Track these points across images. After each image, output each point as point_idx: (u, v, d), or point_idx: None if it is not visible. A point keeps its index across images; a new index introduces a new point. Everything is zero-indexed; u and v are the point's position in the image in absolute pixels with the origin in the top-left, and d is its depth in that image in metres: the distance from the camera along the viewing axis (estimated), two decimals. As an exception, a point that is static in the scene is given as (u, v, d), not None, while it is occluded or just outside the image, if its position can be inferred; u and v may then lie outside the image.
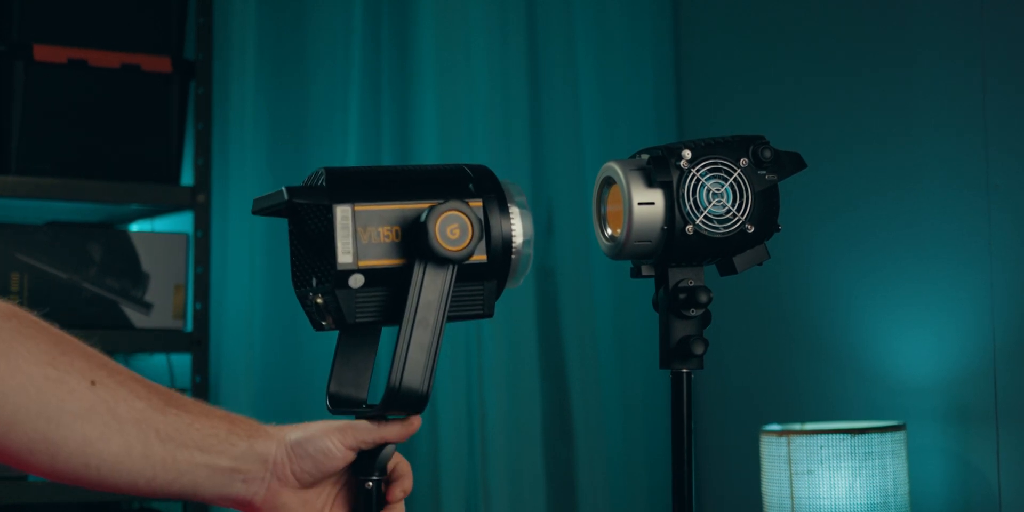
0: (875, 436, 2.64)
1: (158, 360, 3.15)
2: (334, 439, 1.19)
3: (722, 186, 1.44)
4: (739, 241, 1.45)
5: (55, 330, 1.12)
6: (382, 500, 1.25)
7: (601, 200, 1.51)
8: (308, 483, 1.20)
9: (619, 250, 1.47)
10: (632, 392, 3.32)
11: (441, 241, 1.22)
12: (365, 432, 1.20)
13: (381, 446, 1.24)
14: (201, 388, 2.95)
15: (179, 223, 3.13)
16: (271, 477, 1.18)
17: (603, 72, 3.42)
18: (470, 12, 3.23)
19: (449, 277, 1.23)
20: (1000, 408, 2.76)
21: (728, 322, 3.20)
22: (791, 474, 2.67)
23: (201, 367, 2.96)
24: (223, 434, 1.17)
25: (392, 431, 1.21)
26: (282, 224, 1.37)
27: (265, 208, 1.31)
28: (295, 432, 1.20)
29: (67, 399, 1.08)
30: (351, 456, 1.20)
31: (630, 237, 1.45)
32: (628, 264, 1.51)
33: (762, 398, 3.25)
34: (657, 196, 1.43)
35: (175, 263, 3.00)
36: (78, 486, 1.13)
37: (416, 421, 1.21)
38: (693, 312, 1.46)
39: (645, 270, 1.49)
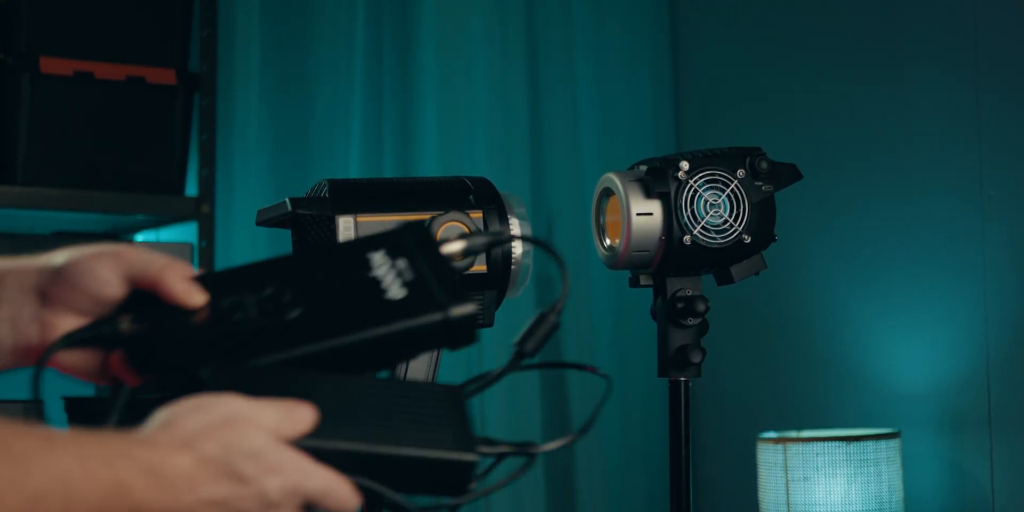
0: (870, 443, 2.65)
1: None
2: (106, 262, 1.01)
3: (719, 197, 1.46)
4: (736, 251, 1.47)
5: None
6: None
7: (600, 211, 1.53)
8: (89, 313, 1.02)
9: (618, 260, 1.48)
10: (631, 400, 3.33)
11: None
12: (142, 263, 1.02)
13: None
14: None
15: (184, 233, 3.15)
16: (40, 311, 1.02)
17: (602, 84, 3.45)
18: (471, 26, 3.26)
19: None
20: (994, 416, 2.77)
21: (725, 331, 3.22)
22: (787, 481, 2.68)
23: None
24: None
25: (176, 280, 1.02)
26: (285, 235, 1.39)
27: (269, 219, 1.33)
28: (59, 257, 1.03)
29: None
30: (126, 287, 1.02)
31: (628, 247, 1.46)
32: (627, 274, 1.53)
33: (759, 406, 3.27)
34: (655, 207, 1.45)
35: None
36: None
37: (197, 296, 1.02)
38: (691, 321, 1.48)
39: (643, 280, 1.50)
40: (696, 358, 1.47)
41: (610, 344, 3.34)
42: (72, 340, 0.99)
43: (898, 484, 2.68)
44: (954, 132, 2.87)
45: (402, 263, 1.02)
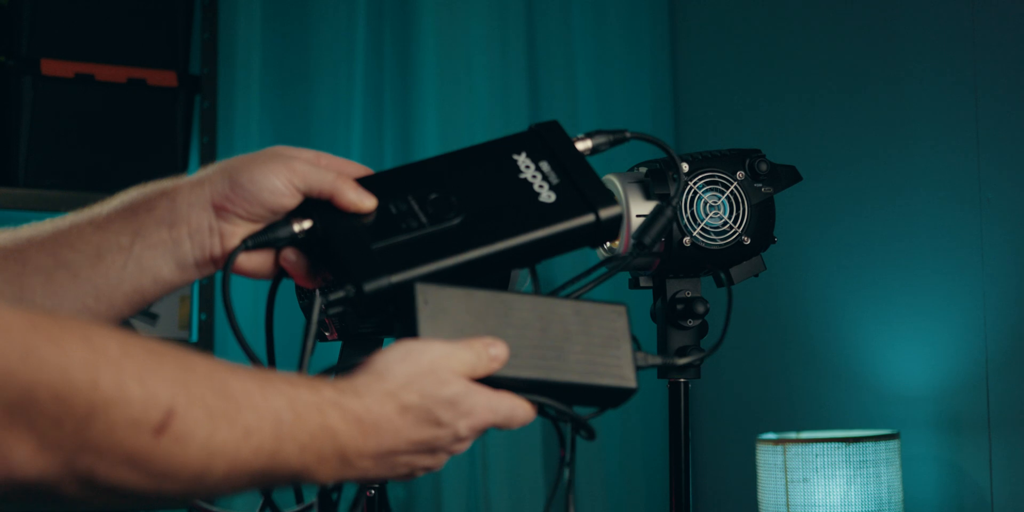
0: (869, 445, 2.65)
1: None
2: (281, 176, 1.05)
3: (719, 199, 1.46)
4: (735, 253, 1.47)
5: None
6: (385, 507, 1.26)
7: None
8: (264, 220, 1.07)
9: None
10: (630, 402, 3.34)
11: None
12: (316, 178, 1.06)
13: None
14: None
15: (184, 235, 3.15)
16: (217, 223, 1.06)
17: (601, 86, 3.46)
18: (471, 28, 3.27)
19: None
20: (992, 417, 2.78)
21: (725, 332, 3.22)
22: (787, 482, 2.69)
23: (205, 377, 2.98)
24: (140, 206, 1.07)
25: (348, 189, 1.06)
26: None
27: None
28: (230, 168, 1.06)
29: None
30: (300, 198, 1.07)
31: (628, 249, 1.47)
32: (626, 275, 1.53)
33: (758, 407, 3.28)
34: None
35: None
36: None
37: (369, 201, 1.07)
38: (690, 323, 1.48)
39: (643, 281, 1.51)
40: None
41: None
42: (251, 245, 1.05)
43: (897, 485, 2.68)
44: (952, 135, 2.88)
45: (545, 166, 1.09)
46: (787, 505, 2.68)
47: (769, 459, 2.72)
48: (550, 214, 1.06)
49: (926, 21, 2.96)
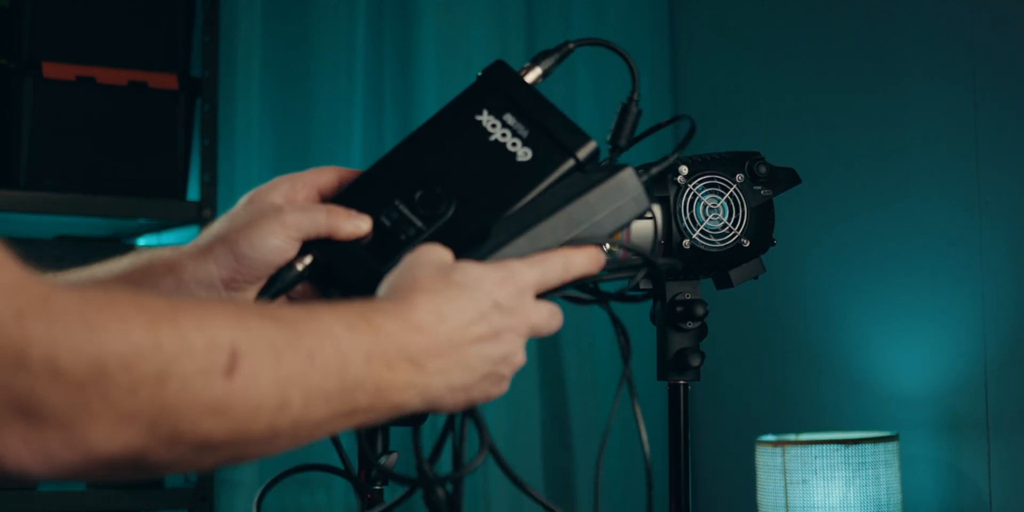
0: (868, 446, 2.66)
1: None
2: (278, 234, 1.05)
3: (718, 201, 1.47)
4: (735, 255, 1.47)
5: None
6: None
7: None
8: (266, 277, 1.06)
9: (617, 264, 1.49)
10: (630, 402, 3.35)
11: None
12: (309, 225, 1.06)
13: (383, 456, 1.25)
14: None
15: (186, 237, 3.15)
16: (226, 293, 1.05)
17: (601, 88, 3.46)
18: (471, 31, 3.28)
19: None
20: (991, 419, 2.78)
21: (724, 335, 3.23)
22: (786, 484, 2.69)
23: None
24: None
25: (342, 222, 1.06)
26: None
27: None
28: (226, 239, 1.05)
29: None
30: (299, 244, 1.06)
31: (628, 251, 1.48)
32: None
33: (757, 409, 3.28)
34: (655, 211, 1.46)
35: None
36: None
37: (364, 224, 1.07)
38: (690, 325, 1.48)
39: (643, 284, 1.51)
40: (695, 362, 1.47)
41: (609, 347, 3.35)
42: (270, 298, 1.05)
43: (896, 487, 2.69)
44: (952, 138, 2.89)
45: (510, 118, 1.09)
46: (786, 506, 2.69)
47: (768, 461, 2.73)
48: (532, 172, 1.06)
49: (925, 24, 2.97)
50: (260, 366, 0.82)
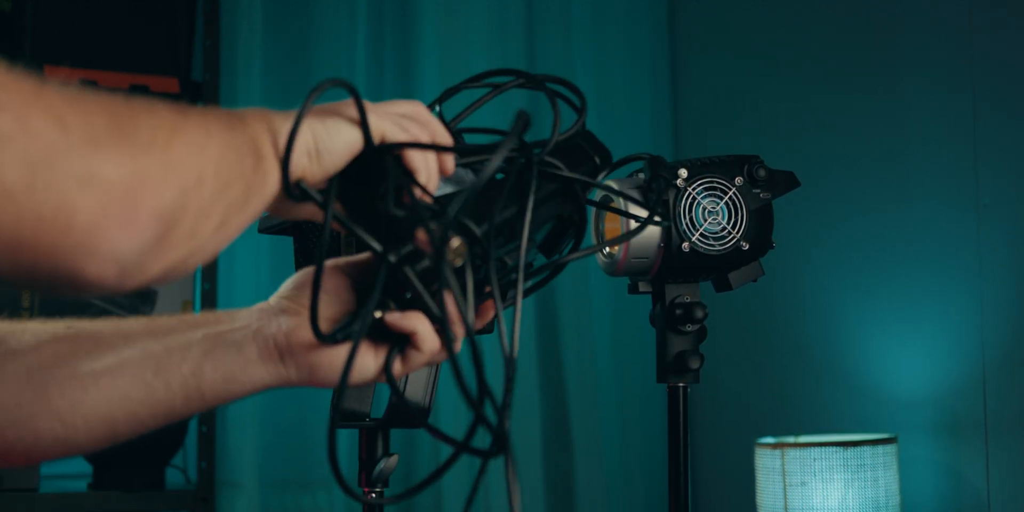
0: (867, 448, 2.66)
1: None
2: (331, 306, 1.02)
3: (718, 204, 1.47)
4: (734, 258, 1.48)
5: None
6: None
7: (599, 218, 1.54)
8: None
9: (617, 267, 1.50)
10: (629, 405, 3.35)
11: None
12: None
13: (381, 459, 1.25)
14: (207, 402, 2.97)
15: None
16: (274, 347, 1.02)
17: (600, 92, 3.47)
18: (471, 35, 3.29)
19: None
20: (989, 421, 2.79)
21: (723, 337, 3.24)
22: (785, 486, 2.70)
23: (207, 381, 2.98)
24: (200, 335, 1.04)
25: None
26: (288, 242, 1.41)
27: (271, 227, 1.35)
28: (274, 302, 1.04)
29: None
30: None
31: (627, 254, 1.48)
32: (626, 280, 1.54)
33: (757, 411, 3.29)
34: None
35: (183, 279, 3.04)
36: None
37: None
38: (689, 327, 1.49)
39: (642, 286, 1.51)
40: (694, 364, 1.47)
41: (609, 350, 3.36)
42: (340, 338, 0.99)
43: (895, 489, 2.69)
44: (950, 141, 2.89)
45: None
46: (785, 509, 2.69)
47: (767, 463, 2.73)
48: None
49: (924, 27, 2.97)
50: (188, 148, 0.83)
